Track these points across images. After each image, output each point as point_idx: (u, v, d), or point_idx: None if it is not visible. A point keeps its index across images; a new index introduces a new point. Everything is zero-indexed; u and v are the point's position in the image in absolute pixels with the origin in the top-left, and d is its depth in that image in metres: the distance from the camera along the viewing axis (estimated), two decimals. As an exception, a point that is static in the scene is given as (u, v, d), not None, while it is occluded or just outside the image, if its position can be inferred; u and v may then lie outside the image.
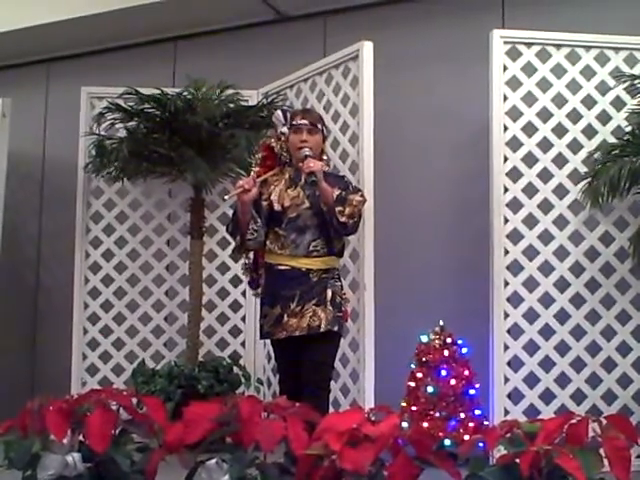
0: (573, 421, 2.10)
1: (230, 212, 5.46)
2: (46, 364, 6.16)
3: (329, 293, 3.61)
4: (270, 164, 3.83)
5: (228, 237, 5.28)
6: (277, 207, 3.65)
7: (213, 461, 2.29)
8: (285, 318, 3.57)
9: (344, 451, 2.04)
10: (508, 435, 2.12)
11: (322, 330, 3.54)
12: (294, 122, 3.71)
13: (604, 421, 2.11)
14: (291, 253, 3.62)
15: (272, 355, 4.32)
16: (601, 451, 2.04)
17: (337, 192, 3.59)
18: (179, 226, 5.52)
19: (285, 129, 3.76)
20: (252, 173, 3.87)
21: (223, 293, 5.46)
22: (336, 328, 3.60)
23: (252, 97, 5.40)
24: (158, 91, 5.05)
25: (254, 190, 3.57)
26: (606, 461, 2.01)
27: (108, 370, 5.42)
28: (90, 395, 2.57)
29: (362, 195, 3.72)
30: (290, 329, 3.56)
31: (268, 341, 4.15)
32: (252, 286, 3.90)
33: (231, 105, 5.15)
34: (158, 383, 4.82)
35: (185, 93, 5.08)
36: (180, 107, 4.96)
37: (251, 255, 3.89)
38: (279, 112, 3.85)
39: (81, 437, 2.49)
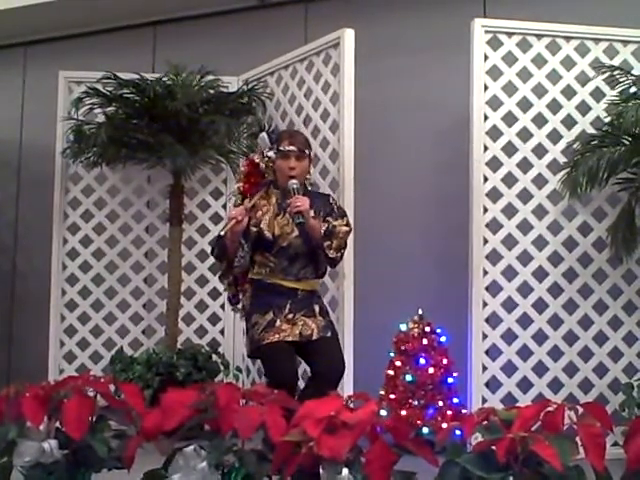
0: (549, 409, 2.12)
1: (209, 199, 5.49)
2: (23, 351, 6.11)
3: (316, 307, 3.60)
4: (254, 180, 3.76)
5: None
6: (268, 236, 3.57)
7: (191, 448, 2.29)
8: (278, 322, 3.50)
9: (322, 438, 2.05)
10: (485, 422, 2.13)
11: (314, 338, 3.51)
12: (281, 148, 3.60)
13: (580, 409, 2.13)
14: (282, 278, 3.58)
15: (244, 333, 4.29)
16: (577, 439, 2.06)
17: (324, 227, 3.55)
18: (158, 213, 5.48)
19: (271, 153, 3.67)
20: (234, 188, 3.82)
21: (202, 280, 5.44)
22: (329, 334, 3.57)
23: (232, 83, 5.36)
24: (137, 76, 5.01)
25: (245, 220, 3.50)
26: (581, 448, 2.03)
27: (86, 357, 5.39)
28: (67, 382, 2.55)
29: (347, 223, 3.67)
30: (283, 334, 3.48)
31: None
32: (232, 302, 3.84)
33: (211, 91, 5.12)
34: (136, 370, 4.81)
35: (165, 79, 5.05)
36: (160, 93, 4.93)
37: None
38: (264, 135, 3.75)
39: (58, 424, 2.48)
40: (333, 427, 2.09)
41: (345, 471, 2.07)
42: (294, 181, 3.55)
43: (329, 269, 3.78)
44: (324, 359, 3.47)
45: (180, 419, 2.29)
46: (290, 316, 3.52)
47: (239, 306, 3.82)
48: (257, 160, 3.74)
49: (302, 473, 2.12)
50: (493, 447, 2.01)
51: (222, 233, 3.53)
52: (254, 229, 3.58)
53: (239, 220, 3.46)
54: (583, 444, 2.02)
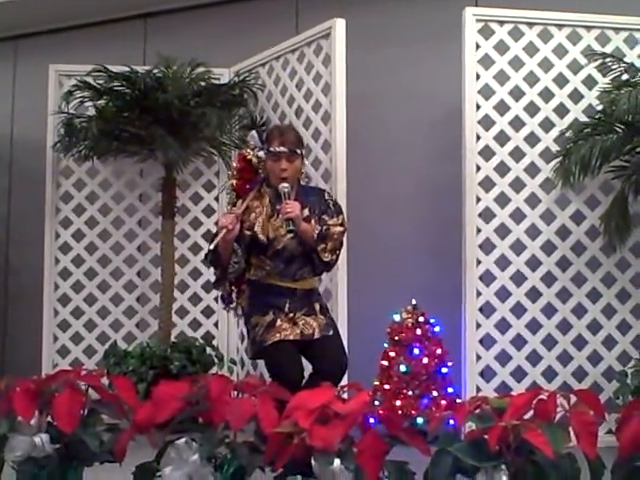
0: (542, 397, 2.11)
1: (202, 191, 5.48)
2: (17, 346, 6.09)
3: (317, 306, 3.54)
4: (247, 176, 3.66)
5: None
6: (262, 239, 3.48)
7: (182, 440, 2.28)
8: (279, 322, 3.43)
9: (314, 429, 2.04)
10: (477, 411, 2.13)
11: (316, 337, 3.45)
12: (271, 148, 3.47)
13: (573, 397, 2.13)
14: (279, 279, 3.51)
15: (245, 335, 4.29)
16: (570, 427, 2.06)
17: (318, 230, 3.47)
18: (150, 206, 5.46)
19: (262, 153, 3.57)
20: (228, 185, 3.74)
21: (195, 273, 5.43)
22: (331, 332, 3.51)
23: (224, 75, 5.34)
24: (128, 69, 4.98)
25: (237, 227, 3.42)
26: (574, 436, 2.03)
27: (79, 351, 5.37)
28: (58, 375, 2.54)
29: (342, 222, 3.58)
30: (284, 332, 3.41)
31: (242, 322, 4.09)
32: (225, 301, 3.75)
33: (202, 83, 5.10)
34: (130, 364, 4.80)
35: (155, 71, 5.02)
36: (150, 85, 4.90)
37: None
38: (254, 133, 3.65)
39: (49, 418, 2.47)
40: (325, 418, 2.09)
41: (337, 461, 2.06)
42: (285, 184, 3.45)
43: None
44: (326, 357, 3.43)
45: (172, 412, 2.28)
46: (290, 315, 3.45)
47: (232, 305, 3.74)
48: (249, 157, 3.65)
49: (294, 464, 2.11)
50: (485, 436, 2.01)
51: (211, 247, 3.44)
52: (248, 232, 3.49)
53: (230, 229, 3.38)
54: (575, 432, 2.02)
